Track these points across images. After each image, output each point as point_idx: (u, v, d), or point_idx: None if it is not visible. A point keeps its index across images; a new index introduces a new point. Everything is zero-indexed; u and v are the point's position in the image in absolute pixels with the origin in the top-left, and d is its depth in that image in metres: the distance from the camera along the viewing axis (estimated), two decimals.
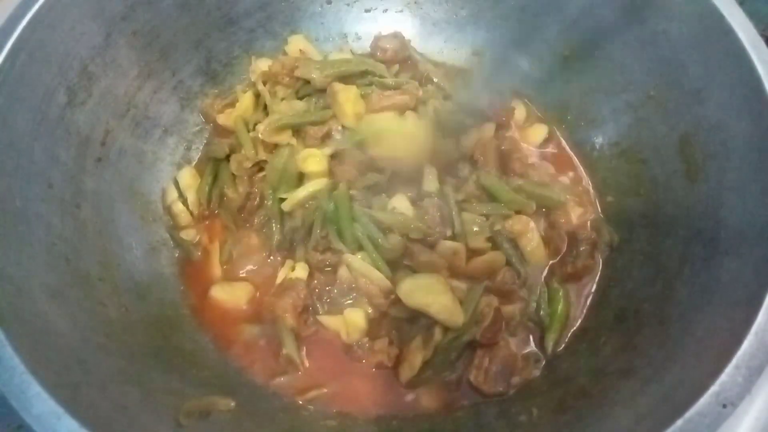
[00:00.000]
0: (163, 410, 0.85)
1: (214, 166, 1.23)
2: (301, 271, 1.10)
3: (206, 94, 1.32)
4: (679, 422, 0.70)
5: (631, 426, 0.77)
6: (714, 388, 0.71)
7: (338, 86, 1.18)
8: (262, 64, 1.32)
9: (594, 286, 1.14)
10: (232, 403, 0.93)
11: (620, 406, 0.83)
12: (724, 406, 0.70)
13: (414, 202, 1.12)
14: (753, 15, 0.97)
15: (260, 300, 1.11)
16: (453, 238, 1.09)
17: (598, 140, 1.27)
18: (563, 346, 1.08)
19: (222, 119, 1.28)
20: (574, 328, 1.10)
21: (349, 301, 1.08)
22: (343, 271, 1.09)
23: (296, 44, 1.36)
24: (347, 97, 1.16)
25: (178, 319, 1.09)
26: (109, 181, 1.11)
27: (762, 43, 0.94)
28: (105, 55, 1.09)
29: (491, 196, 1.16)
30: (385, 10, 1.43)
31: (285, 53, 1.37)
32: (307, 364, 1.05)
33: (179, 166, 1.27)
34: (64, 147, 1.02)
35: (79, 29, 1.03)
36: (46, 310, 0.84)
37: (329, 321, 1.07)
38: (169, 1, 1.18)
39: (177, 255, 1.18)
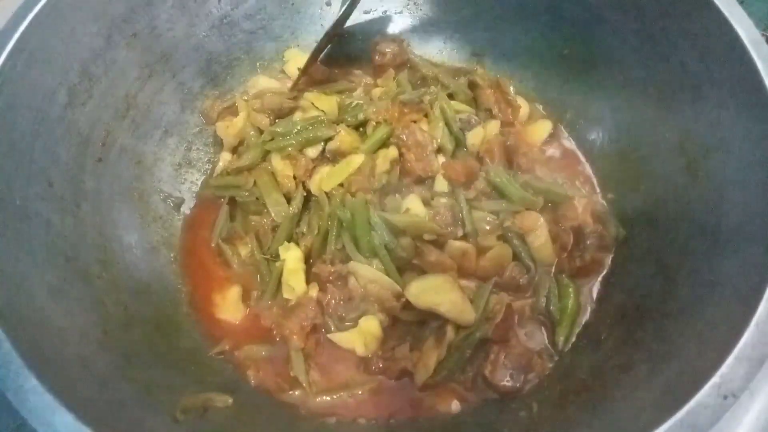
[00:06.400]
0: (160, 406, 0.85)
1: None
2: (311, 290, 1.09)
3: (206, 95, 1.33)
4: (680, 414, 0.69)
5: (632, 419, 0.76)
6: (715, 380, 0.70)
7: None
8: (263, 82, 1.33)
9: (597, 282, 1.13)
10: (230, 400, 0.93)
11: (621, 400, 0.83)
12: (725, 397, 0.69)
13: (426, 202, 1.11)
14: (753, 15, 0.97)
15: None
16: (465, 237, 1.09)
17: (599, 137, 1.27)
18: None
19: (221, 129, 1.27)
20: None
21: (361, 313, 1.06)
22: (353, 281, 1.08)
23: (294, 62, 1.37)
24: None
25: (177, 318, 1.09)
26: (110, 181, 1.12)
27: (762, 39, 0.93)
28: (106, 57, 1.10)
29: (500, 193, 1.15)
30: (385, 12, 1.44)
31: (283, 71, 1.38)
32: (315, 386, 1.04)
33: (179, 167, 1.28)
34: (64, 147, 1.02)
35: (80, 31, 1.04)
36: (45, 307, 0.85)
37: (341, 338, 1.05)
38: (169, 4, 1.19)
39: (175, 256, 1.19)
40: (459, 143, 1.21)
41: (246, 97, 1.32)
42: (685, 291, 0.93)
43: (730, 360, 0.71)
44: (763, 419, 0.94)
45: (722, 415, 0.68)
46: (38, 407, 0.69)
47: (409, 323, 1.05)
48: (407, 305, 1.01)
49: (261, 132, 1.23)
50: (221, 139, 1.28)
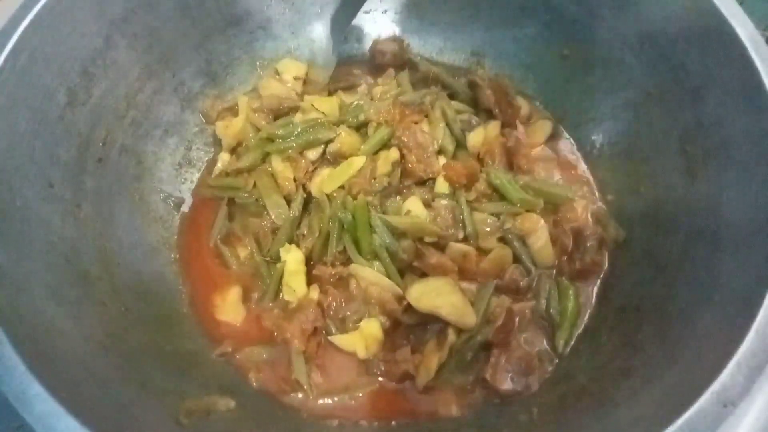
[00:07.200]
0: (163, 409, 0.85)
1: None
2: (312, 292, 1.09)
3: (206, 95, 1.32)
4: (680, 421, 0.69)
5: (632, 425, 0.76)
6: (714, 387, 0.71)
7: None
8: (274, 86, 1.32)
9: (597, 285, 1.14)
10: (232, 403, 0.93)
11: (621, 405, 0.83)
12: (725, 405, 0.70)
13: (427, 204, 1.11)
14: (753, 15, 0.97)
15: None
16: (465, 239, 1.09)
17: (598, 139, 1.27)
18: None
19: (220, 129, 1.26)
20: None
21: (362, 316, 1.07)
22: (354, 283, 1.08)
23: (288, 72, 1.36)
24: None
25: (178, 319, 1.10)
26: (110, 181, 1.11)
27: (761, 39, 0.94)
28: (105, 57, 1.09)
29: (501, 195, 1.16)
30: (385, 11, 1.43)
31: (278, 74, 1.37)
32: (316, 388, 1.04)
33: (179, 167, 1.27)
34: (64, 147, 1.02)
35: (80, 30, 1.03)
36: (46, 309, 0.85)
37: (343, 340, 1.05)
38: (169, 3, 1.18)
39: (175, 256, 1.19)
40: (459, 144, 1.22)
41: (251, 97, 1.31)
42: (684, 294, 0.93)
43: (729, 367, 0.71)
44: (763, 419, 0.94)
45: (721, 423, 0.68)
46: (42, 413, 0.69)
47: (410, 326, 1.05)
48: (408, 308, 1.01)
49: (261, 128, 1.22)
50: (221, 139, 1.28)
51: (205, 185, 1.27)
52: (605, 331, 1.04)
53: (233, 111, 1.30)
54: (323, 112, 1.20)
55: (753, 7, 1.50)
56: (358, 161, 1.11)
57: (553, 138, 1.31)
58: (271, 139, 1.18)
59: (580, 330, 1.08)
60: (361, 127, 1.19)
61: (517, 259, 1.12)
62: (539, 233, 1.11)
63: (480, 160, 1.21)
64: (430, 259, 1.04)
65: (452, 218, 1.09)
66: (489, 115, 1.29)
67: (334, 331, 1.07)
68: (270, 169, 1.17)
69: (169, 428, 0.83)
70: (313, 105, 1.20)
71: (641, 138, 1.17)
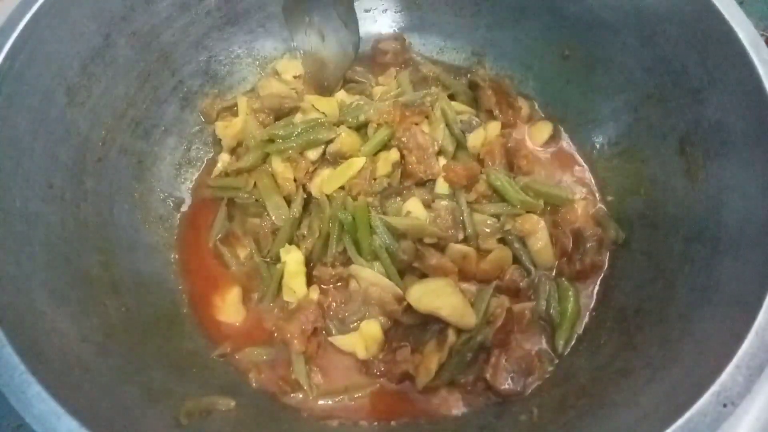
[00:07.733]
0: (163, 410, 0.86)
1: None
2: (311, 293, 1.09)
3: (206, 94, 1.32)
4: (680, 422, 0.70)
5: (632, 425, 0.77)
6: (714, 388, 0.71)
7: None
8: (275, 85, 1.32)
9: (597, 286, 1.14)
10: (232, 403, 0.93)
11: (621, 405, 0.84)
12: (725, 405, 0.70)
13: (427, 205, 1.11)
14: (753, 15, 0.97)
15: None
16: (465, 240, 1.09)
17: (598, 140, 1.27)
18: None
19: (220, 129, 1.26)
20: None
21: (361, 316, 1.07)
22: (354, 284, 1.08)
23: (288, 72, 1.36)
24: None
25: (178, 320, 1.09)
26: (109, 181, 1.11)
27: (762, 42, 0.94)
28: (104, 55, 1.09)
29: (501, 196, 1.16)
30: (385, 11, 1.43)
31: (278, 73, 1.37)
32: (316, 389, 1.04)
33: (179, 166, 1.27)
34: (64, 147, 1.02)
35: (79, 29, 1.03)
36: (46, 310, 0.85)
37: (343, 341, 1.05)
38: (168, 1, 1.18)
39: (175, 256, 1.19)
40: (460, 145, 1.21)
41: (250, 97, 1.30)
42: (684, 296, 0.94)
43: (729, 368, 0.72)
44: (763, 419, 0.94)
45: (722, 423, 0.69)
46: (42, 413, 0.70)
47: (410, 326, 1.06)
48: (408, 308, 1.01)
49: (261, 129, 1.22)
50: (221, 139, 1.27)
51: (204, 185, 1.27)
52: (605, 331, 1.04)
53: (233, 111, 1.30)
54: (323, 112, 1.20)
55: (752, 7, 1.51)
56: (359, 162, 1.11)
57: (553, 139, 1.31)
58: (271, 140, 1.18)
59: (580, 331, 1.09)
60: (361, 128, 1.19)
61: (517, 260, 1.12)
62: (539, 234, 1.11)
63: (480, 161, 1.21)
64: (430, 260, 1.04)
65: (452, 219, 1.09)
66: (489, 115, 1.28)
67: (334, 332, 1.07)
68: (270, 169, 1.17)
69: (170, 428, 0.83)
70: (313, 105, 1.20)
71: (641, 139, 1.17)
